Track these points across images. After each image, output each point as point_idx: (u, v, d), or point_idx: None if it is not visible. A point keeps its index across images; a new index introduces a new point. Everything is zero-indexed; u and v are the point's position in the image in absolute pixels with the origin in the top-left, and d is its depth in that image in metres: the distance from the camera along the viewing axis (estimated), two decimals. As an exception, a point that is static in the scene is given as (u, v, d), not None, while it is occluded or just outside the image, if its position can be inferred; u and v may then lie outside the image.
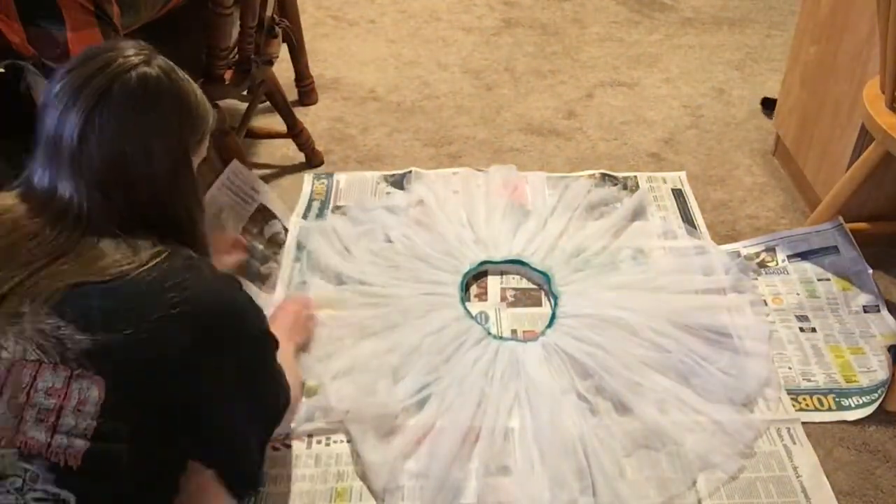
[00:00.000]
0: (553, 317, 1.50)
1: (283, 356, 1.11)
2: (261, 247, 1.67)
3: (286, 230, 1.75)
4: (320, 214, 1.81)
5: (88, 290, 0.82)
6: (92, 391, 0.78)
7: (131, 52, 0.90)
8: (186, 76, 0.95)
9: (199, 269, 0.90)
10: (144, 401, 0.82)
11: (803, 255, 1.66)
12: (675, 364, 1.38)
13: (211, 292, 0.89)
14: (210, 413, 0.89)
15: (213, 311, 0.88)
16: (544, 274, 1.60)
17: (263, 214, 1.72)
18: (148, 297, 0.83)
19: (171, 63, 0.94)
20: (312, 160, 2.01)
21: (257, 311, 1.00)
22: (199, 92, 0.96)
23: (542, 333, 1.47)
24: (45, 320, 0.79)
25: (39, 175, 0.89)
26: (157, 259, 0.86)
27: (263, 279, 1.61)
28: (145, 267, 0.85)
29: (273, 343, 1.03)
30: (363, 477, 1.23)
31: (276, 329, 1.11)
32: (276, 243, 1.71)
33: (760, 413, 1.33)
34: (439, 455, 1.23)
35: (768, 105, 2.23)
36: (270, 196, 1.75)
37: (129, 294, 0.83)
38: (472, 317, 1.50)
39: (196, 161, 0.98)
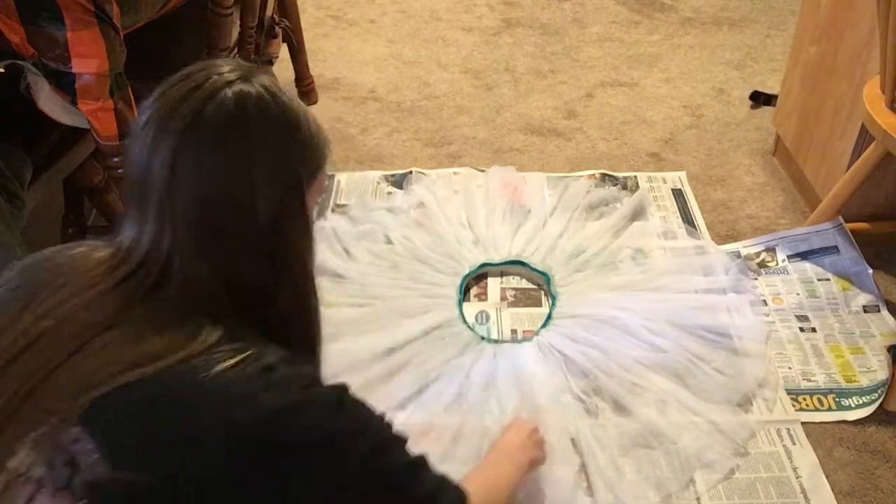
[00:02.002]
0: (549, 317, 1.50)
1: (494, 472, 1.02)
2: None
3: None
4: (321, 214, 1.81)
5: (128, 395, 0.64)
6: None
7: (227, 69, 0.74)
8: (295, 97, 0.78)
9: (286, 379, 0.68)
10: None
11: (803, 255, 1.66)
12: (672, 364, 1.37)
13: (296, 416, 0.67)
14: None
15: (297, 442, 0.67)
16: (544, 274, 1.60)
17: None
18: (204, 413, 0.64)
19: (276, 82, 0.77)
20: (312, 160, 2.01)
21: (371, 438, 0.74)
22: (310, 115, 0.78)
23: (537, 333, 1.47)
24: (68, 428, 0.63)
25: (128, 223, 0.74)
26: (234, 358, 0.67)
27: None
28: (216, 368, 0.65)
29: (398, 451, 0.78)
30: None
31: (501, 444, 1.07)
32: None
33: (760, 414, 1.33)
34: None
35: (757, 98, 2.24)
36: None
37: (179, 406, 0.65)
38: (465, 321, 1.50)
39: (309, 199, 0.77)
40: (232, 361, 0.66)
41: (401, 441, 0.78)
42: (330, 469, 0.69)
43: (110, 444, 0.63)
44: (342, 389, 0.74)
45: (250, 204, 0.71)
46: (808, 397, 1.38)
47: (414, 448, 0.78)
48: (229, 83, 0.72)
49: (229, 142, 0.71)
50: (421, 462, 0.79)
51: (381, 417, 0.77)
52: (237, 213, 0.71)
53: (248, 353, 0.68)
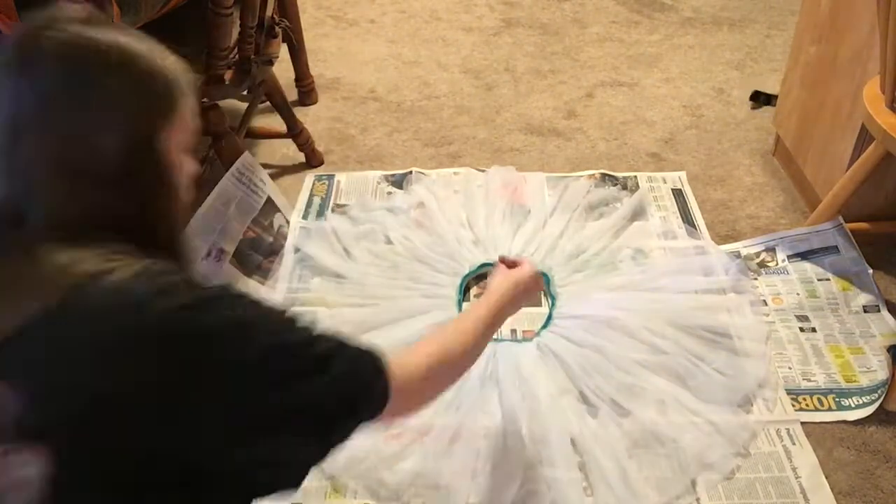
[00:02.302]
0: (549, 318, 1.50)
1: (469, 320, 1.00)
2: (270, 239, 1.68)
3: (288, 223, 1.77)
4: (321, 214, 1.81)
5: (32, 332, 0.63)
6: (30, 468, 0.60)
7: (67, 11, 0.71)
8: (145, 37, 0.75)
9: (166, 283, 0.68)
10: (106, 466, 0.63)
11: (803, 255, 1.66)
12: (673, 365, 1.37)
13: (179, 313, 0.66)
14: (218, 458, 0.68)
15: (186, 336, 0.66)
16: (544, 274, 1.60)
17: (272, 207, 1.73)
18: (98, 325, 0.64)
19: (124, 25, 0.76)
20: (312, 160, 2.01)
21: (259, 328, 0.71)
22: (162, 55, 0.75)
23: (538, 334, 1.47)
24: None
25: None
26: (109, 270, 0.66)
27: (265, 273, 1.61)
28: (99, 282, 0.65)
29: (302, 350, 0.75)
30: (360, 475, 1.23)
31: (490, 290, 1.07)
32: (283, 236, 1.72)
33: (759, 414, 1.33)
34: (435, 455, 1.23)
35: (758, 98, 2.24)
36: (273, 189, 1.76)
37: (74, 326, 0.64)
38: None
39: (170, 141, 0.76)
40: (123, 274, 0.66)
41: (299, 325, 0.76)
42: (238, 356, 0.68)
43: (30, 382, 0.62)
44: (230, 287, 0.74)
45: (91, 149, 0.70)
46: (808, 397, 1.38)
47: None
48: (64, 26, 0.70)
49: (62, 87, 0.69)
50: (325, 342, 0.79)
51: (275, 307, 0.76)
52: (79, 159, 0.70)
53: (132, 264, 0.68)
